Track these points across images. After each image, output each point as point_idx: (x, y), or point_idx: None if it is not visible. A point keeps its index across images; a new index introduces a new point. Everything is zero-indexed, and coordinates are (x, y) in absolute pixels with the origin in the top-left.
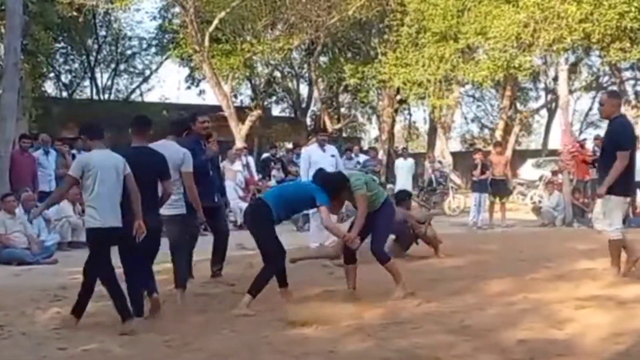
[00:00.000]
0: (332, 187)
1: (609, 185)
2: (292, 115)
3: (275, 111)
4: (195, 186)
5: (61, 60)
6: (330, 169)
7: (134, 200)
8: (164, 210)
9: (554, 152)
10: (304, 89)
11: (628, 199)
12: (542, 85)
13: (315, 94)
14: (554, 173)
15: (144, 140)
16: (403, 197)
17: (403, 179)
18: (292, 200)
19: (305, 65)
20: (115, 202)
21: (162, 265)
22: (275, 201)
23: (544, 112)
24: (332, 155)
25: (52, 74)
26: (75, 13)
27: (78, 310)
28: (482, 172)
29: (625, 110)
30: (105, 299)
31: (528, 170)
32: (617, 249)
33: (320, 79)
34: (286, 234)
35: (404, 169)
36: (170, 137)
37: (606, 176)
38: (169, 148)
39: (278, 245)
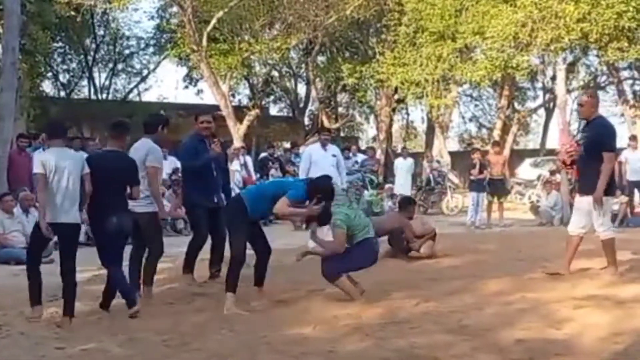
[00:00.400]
0: (314, 188)
1: (604, 185)
2: (290, 114)
3: (273, 111)
4: (196, 185)
5: (59, 59)
6: (331, 168)
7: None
8: (138, 208)
9: (551, 152)
10: (301, 89)
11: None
12: (539, 85)
13: (313, 93)
14: (552, 173)
15: (119, 144)
16: (406, 203)
17: (402, 179)
18: (270, 197)
19: (303, 65)
20: (67, 199)
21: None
22: (253, 198)
23: (541, 111)
24: (334, 155)
25: (50, 74)
26: (73, 13)
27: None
28: (480, 172)
29: (624, 110)
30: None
31: (526, 170)
32: (611, 248)
33: (318, 79)
34: (285, 233)
35: (403, 168)
36: (146, 136)
37: (588, 178)
38: (138, 147)
39: (244, 244)
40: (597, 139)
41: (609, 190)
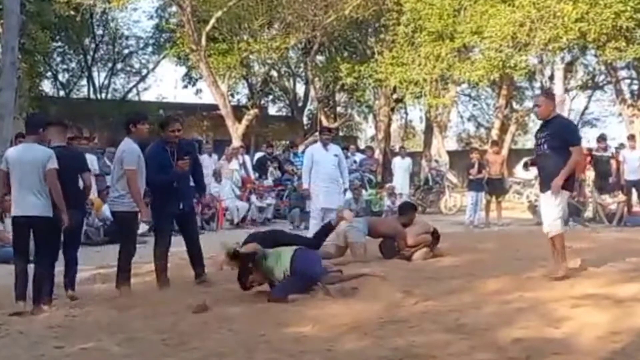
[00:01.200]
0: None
1: (568, 172)
2: (289, 114)
3: (272, 110)
4: (161, 194)
5: (58, 59)
6: (332, 168)
7: (53, 194)
8: (116, 206)
9: None
10: (300, 88)
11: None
12: (538, 85)
13: (312, 93)
14: None
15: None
16: (407, 209)
17: (400, 178)
18: None
19: (302, 65)
20: (28, 192)
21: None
22: None
23: None
24: (335, 155)
25: (49, 73)
26: (72, 12)
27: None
28: (479, 171)
29: (621, 109)
30: (102, 297)
31: (524, 169)
32: (560, 244)
33: (316, 78)
34: None
35: (401, 167)
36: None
37: (549, 176)
38: (118, 148)
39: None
40: (562, 137)
41: (567, 186)
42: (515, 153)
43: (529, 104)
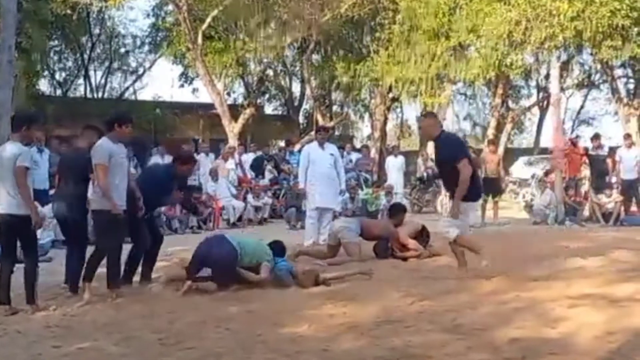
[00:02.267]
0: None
1: (462, 194)
2: (285, 113)
3: (268, 109)
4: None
5: (55, 58)
6: (329, 167)
7: (19, 192)
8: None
9: (545, 150)
10: (296, 87)
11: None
12: (534, 83)
13: (308, 91)
14: (547, 173)
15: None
16: (396, 210)
17: (394, 177)
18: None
19: (298, 63)
20: (2, 189)
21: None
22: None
23: (535, 110)
24: (332, 154)
25: (46, 72)
26: (69, 11)
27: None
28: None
29: (617, 108)
30: (97, 297)
31: (520, 169)
32: (462, 246)
33: (312, 77)
34: (280, 233)
35: (395, 166)
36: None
37: (454, 185)
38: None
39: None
40: (449, 155)
41: (474, 196)
42: (512, 152)
43: (525, 102)
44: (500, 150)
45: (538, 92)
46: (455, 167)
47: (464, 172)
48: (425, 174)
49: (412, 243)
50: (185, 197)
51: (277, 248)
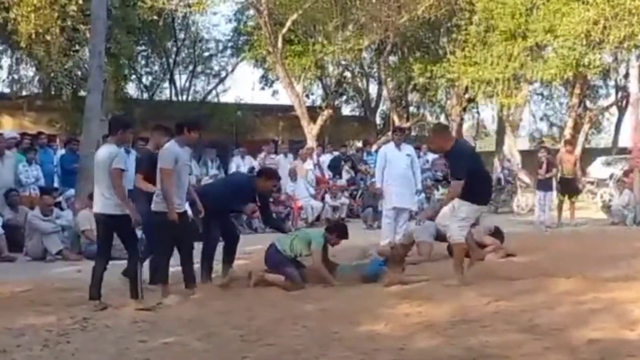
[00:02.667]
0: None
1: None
2: (362, 114)
3: (346, 110)
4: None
5: (142, 62)
6: (405, 167)
7: (116, 193)
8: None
9: (624, 150)
10: (373, 89)
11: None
12: (612, 83)
13: (385, 93)
14: (626, 173)
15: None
16: None
17: None
18: None
19: (375, 65)
20: (98, 191)
21: None
22: None
23: (614, 109)
24: (408, 155)
25: (133, 76)
26: (155, 17)
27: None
28: (548, 170)
29: None
30: (184, 293)
31: (598, 169)
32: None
33: (389, 79)
34: (357, 233)
35: None
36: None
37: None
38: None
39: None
40: (452, 169)
41: (479, 200)
42: (589, 152)
43: (603, 102)
44: (578, 150)
45: (617, 92)
46: (467, 181)
47: (454, 188)
48: (501, 175)
49: (488, 239)
50: (264, 212)
51: (337, 229)
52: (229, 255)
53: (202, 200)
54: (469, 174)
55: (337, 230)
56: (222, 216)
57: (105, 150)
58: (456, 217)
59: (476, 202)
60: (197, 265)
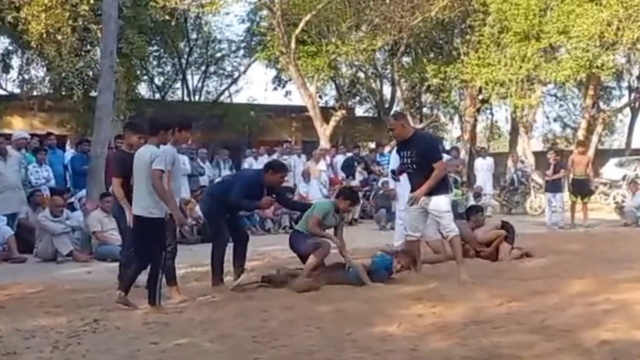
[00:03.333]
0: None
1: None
2: (376, 115)
3: (359, 111)
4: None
5: (154, 63)
6: None
7: (158, 194)
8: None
9: (637, 152)
10: (387, 89)
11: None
12: (625, 84)
13: (398, 94)
14: None
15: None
16: (473, 212)
17: (483, 179)
18: None
19: (389, 66)
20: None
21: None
22: None
23: (627, 111)
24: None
25: (145, 77)
26: (167, 17)
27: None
28: (556, 172)
29: None
30: (196, 294)
31: (611, 170)
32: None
33: (403, 79)
34: (370, 234)
35: (483, 168)
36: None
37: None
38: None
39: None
40: (425, 154)
41: (443, 190)
42: (602, 153)
43: (616, 104)
44: (591, 151)
45: (630, 93)
46: (427, 169)
47: (440, 169)
48: (515, 176)
49: (492, 233)
50: (283, 201)
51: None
52: (240, 258)
53: (211, 199)
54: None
55: (344, 195)
56: (231, 215)
57: (144, 151)
58: (440, 213)
59: (447, 192)
60: (207, 268)
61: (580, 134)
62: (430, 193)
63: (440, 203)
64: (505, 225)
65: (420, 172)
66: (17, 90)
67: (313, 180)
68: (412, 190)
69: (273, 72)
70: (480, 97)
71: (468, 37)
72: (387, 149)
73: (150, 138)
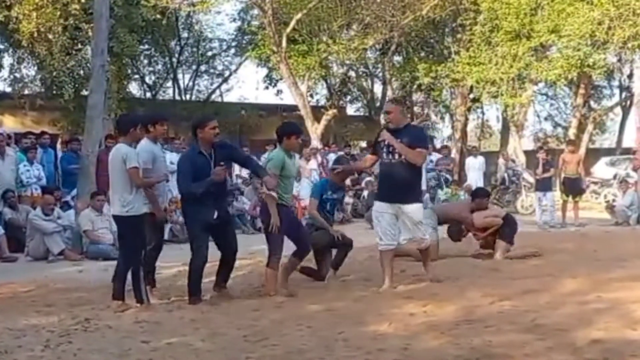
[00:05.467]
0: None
1: (411, 195)
2: (367, 114)
3: (350, 110)
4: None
5: (145, 62)
6: None
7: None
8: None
9: (628, 151)
10: (378, 88)
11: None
12: (616, 83)
13: (389, 93)
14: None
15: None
16: (479, 193)
17: (474, 177)
18: None
19: (380, 65)
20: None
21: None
22: None
23: (618, 110)
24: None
25: (136, 76)
26: (158, 16)
27: None
28: (545, 171)
29: None
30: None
31: (602, 169)
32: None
33: (394, 78)
34: (361, 232)
35: (474, 167)
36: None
37: (408, 186)
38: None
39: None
40: (416, 140)
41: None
42: (593, 152)
43: (607, 102)
44: (582, 150)
45: (621, 92)
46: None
47: (422, 156)
48: (505, 175)
49: (487, 220)
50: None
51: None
52: (224, 274)
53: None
54: (419, 169)
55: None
56: (220, 220)
57: (117, 151)
58: (415, 224)
59: (420, 200)
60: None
61: (571, 133)
62: (404, 201)
63: (415, 211)
64: (507, 219)
65: (404, 166)
66: (8, 89)
67: (304, 179)
68: (391, 189)
69: (264, 71)
70: (471, 96)
71: (459, 36)
72: None
73: (121, 137)
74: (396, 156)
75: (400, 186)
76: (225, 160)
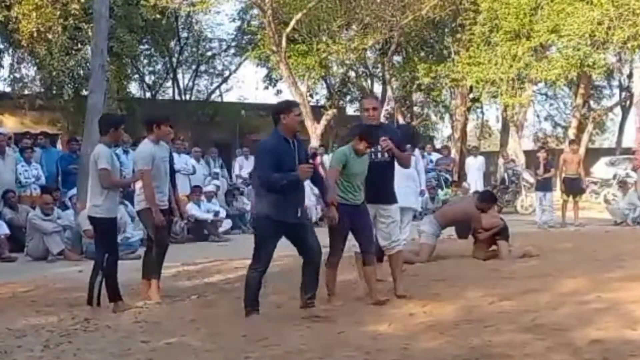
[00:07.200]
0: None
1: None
2: None
3: (350, 110)
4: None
5: (145, 62)
6: (410, 168)
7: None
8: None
9: (628, 151)
10: (378, 88)
11: None
12: (616, 83)
13: (389, 93)
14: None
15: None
16: (486, 197)
17: (474, 177)
18: None
19: (379, 65)
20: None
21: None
22: None
23: (618, 110)
24: (412, 155)
25: (136, 76)
26: (158, 16)
27: None
28: (547, 171)
29: None
30: (185, 295)
31: (601, 169)
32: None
33: (393, 78)
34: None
35: (474, 167)
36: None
37: (394, 187)
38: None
39: None
40: (408, 139)
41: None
42: (593, 152)
43: (607, 102)
44: (582, 150)
45: (620, 92)
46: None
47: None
48: (505, 175)
49: (493, 221)
50: None
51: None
52: (311, 282)
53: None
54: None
55: (356, 134)
56: (297, 224)
57: (94, 152)
58: (393, 222)
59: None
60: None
61: (571, 133)
62: (385, 201)
63: (395, 211)
64: (504, 221)
65: (392, 167)
66: (7, 89)
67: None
68: (377, 186)
69: (264, 71)
70: (470, 96)
71: (459, 36)
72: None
73: (101, 137)
74: (379, 155)
75: (381, 187)
76: (304, 156)
